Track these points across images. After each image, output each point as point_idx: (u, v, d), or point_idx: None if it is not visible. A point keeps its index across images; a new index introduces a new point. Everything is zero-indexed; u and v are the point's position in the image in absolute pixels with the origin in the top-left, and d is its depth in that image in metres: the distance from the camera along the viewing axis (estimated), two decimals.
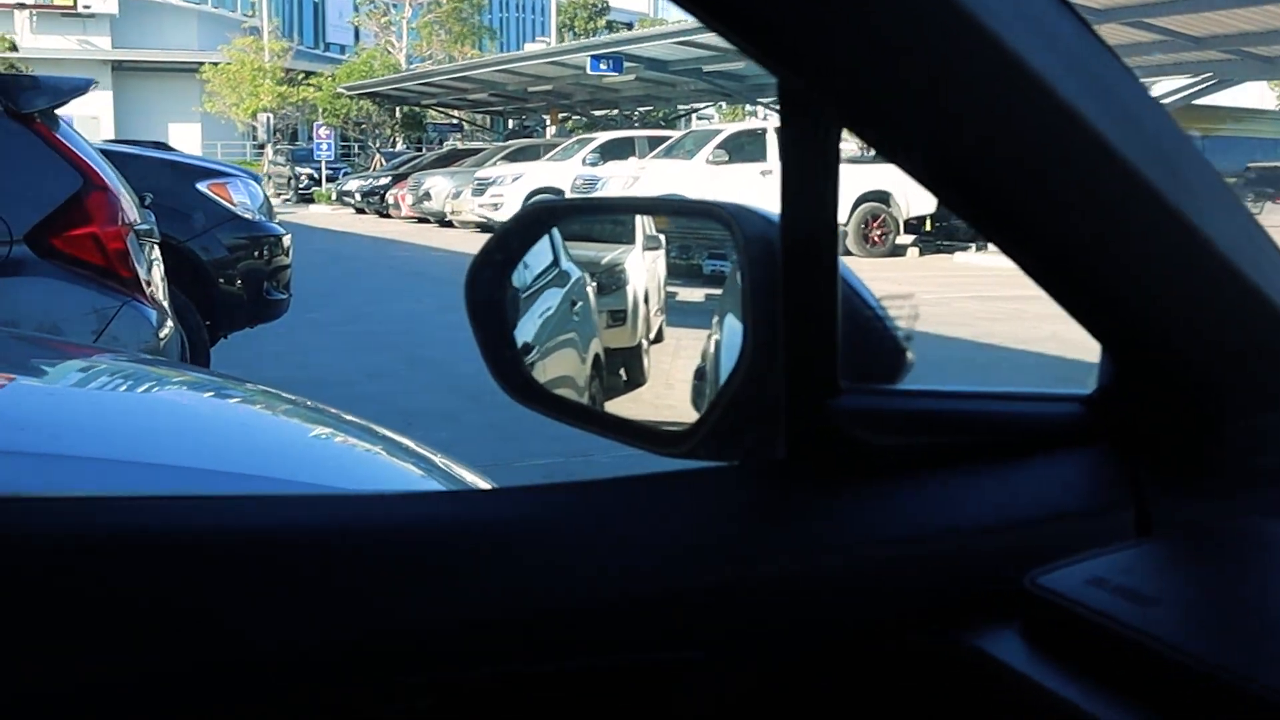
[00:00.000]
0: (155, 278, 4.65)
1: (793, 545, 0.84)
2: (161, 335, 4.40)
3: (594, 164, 21.51)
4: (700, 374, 1.00)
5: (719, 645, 0.82)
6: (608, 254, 1.09)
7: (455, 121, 42.24)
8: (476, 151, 29.72)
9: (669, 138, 21.03)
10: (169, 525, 0.82)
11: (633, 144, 22.02)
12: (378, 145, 41.67)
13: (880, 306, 0.90)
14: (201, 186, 6.96)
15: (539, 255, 1.06)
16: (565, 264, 1.08)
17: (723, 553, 0.83)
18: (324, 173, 37.96)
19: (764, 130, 18.91)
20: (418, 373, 9.09)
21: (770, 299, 0.84)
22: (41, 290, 4.16)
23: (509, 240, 1.04)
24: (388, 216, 29.83)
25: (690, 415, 0.96)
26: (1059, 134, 0.73)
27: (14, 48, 42.86)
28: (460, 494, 0.91)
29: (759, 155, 17.16)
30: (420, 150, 38.07)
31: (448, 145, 35.64)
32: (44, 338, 3.17)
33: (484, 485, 2.58)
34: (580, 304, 1.06)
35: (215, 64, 47.53)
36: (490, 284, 1.02)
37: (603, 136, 23.63)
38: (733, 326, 0.91)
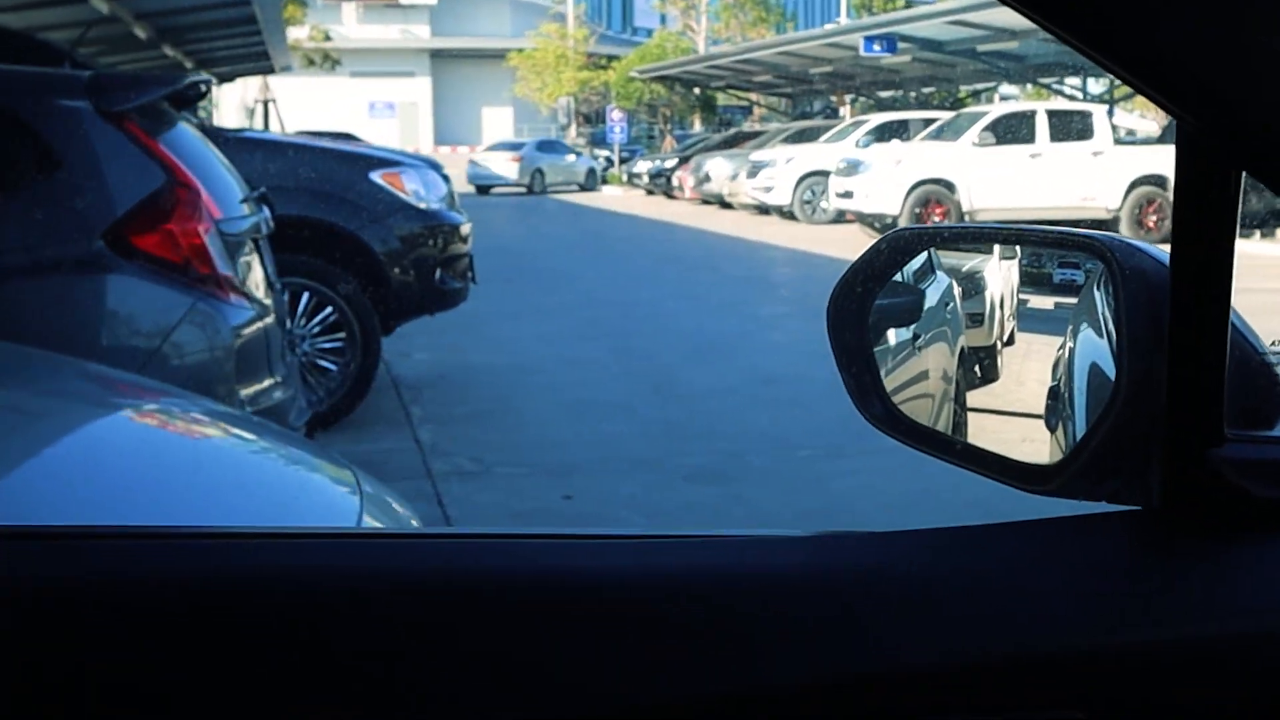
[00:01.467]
0: (252, 274, 4.69)
1: (1181, 607, 0.82)
2: (245, 332, 4.43)
3: (865, 146, 21.04)
4: (1054, 393, 1.00)
5: (1103, 710, 0.81)
6: (968, 261, 1.16)
7: (745, 104, 42.21)
8: (761, 134, 29.55)
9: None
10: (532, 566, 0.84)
11: (907, 126, 21.44)
12: (669, 128, 41.99)
13: (1267, 348, 0.88)
14: (374, 176, 7.06)
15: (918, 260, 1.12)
16: (939, 272, 1.14)
17: (1108, 611, 0.82)
18: (617, 155, 38.53)
19: (1033, 112, 18.06)
20: (616, 362, 9.04)
21: (1151, 338, 0.83)
22: (116, 287, 4.24)
23: (871, 268, 1.07)
24: (673, 198, 30.07)
25: (1043, 432, 0.99)
26: None
27: (328, 38, 45.14)
28: (812, 539, 0.89)
29: (1028, 138, 16.42)
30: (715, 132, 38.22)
31: (733, 128, 35.68)
32: (103, 372, 3.19)
33: (407, 516, 2.48)
34: (951, 305, 1.11)
35: (522, 50, 48.96)
36: (852, 315, 1.06)
37: (877, 118, 23.10)
38: (1088, 344, 0.93)
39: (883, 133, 21.64)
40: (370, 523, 2.27)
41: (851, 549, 0.87)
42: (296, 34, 42.22)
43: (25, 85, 4.46)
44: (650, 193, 32.50)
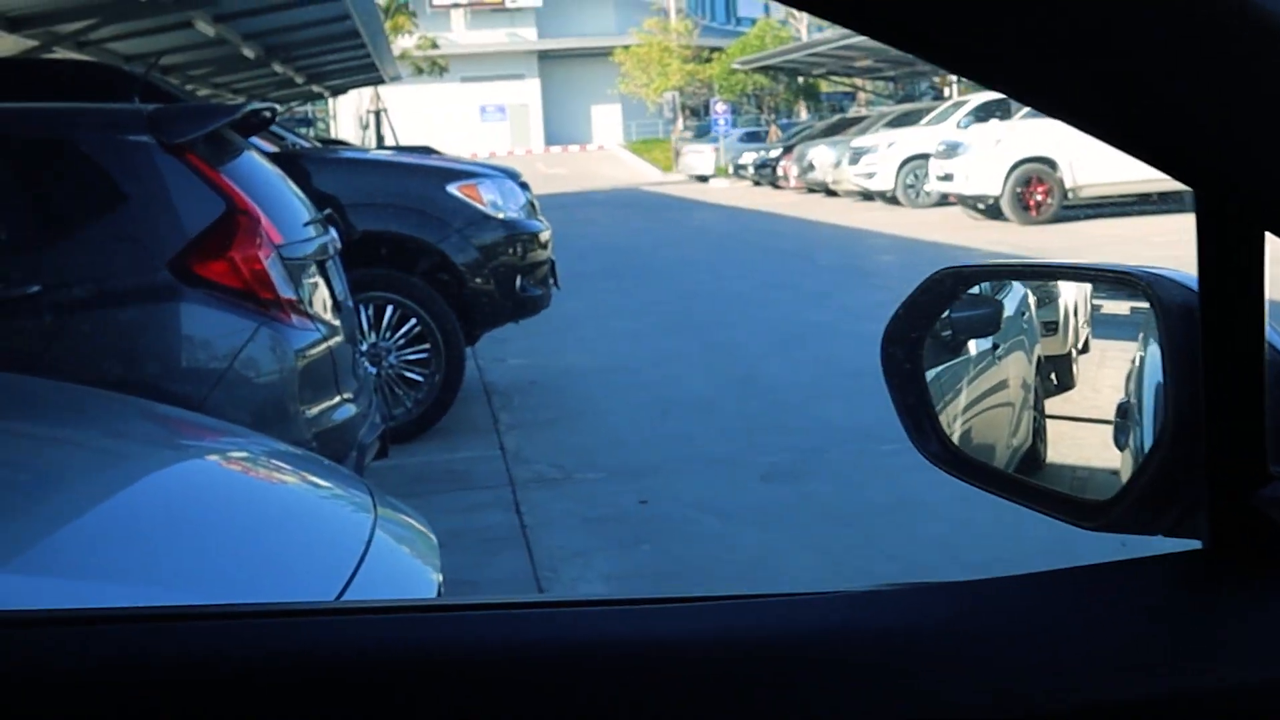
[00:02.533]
0: (318, 295, 4.81)
1: (1228, 653, 0.81)
2: (309, 352, 4.54)
3: (966, 127, 20.75)
4: (1124, 409, 1.00)
5: None
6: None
7: (850, 90, 41.85)
8: (863, 119, 29.30)
9: None
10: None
11: (1009, 104, 21.04)
12: (773, 118, 41.81)
13: None
14: (451, 189, 7.17)
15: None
16: (1014, 284, 1.16)
17: (1158, 658, 0.81)
18: (723, 147, 38.47)
19: None
20: (703, 357, 9.08)
21: (1191, 372, 0.82)
22: (180, 315, 4.38)
23: (918, 308, 1.08)
24: (779, 188, 29.96)
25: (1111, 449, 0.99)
26: None
27: (435, 45, 45.70)
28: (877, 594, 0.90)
29: None
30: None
31: (839, 115, 35.42)
32: (168, 414, 3.30)
33: (413, 522, 2.55)
34: (1026, 314, 1.12)
35: (626, 47, 49.10)
36: (904, 354, 1.07)
37: (977, 98, 22.73)
38: (1156, 360, 0.90)
39: (983, 112, 21.31)
40: (384, 538, 2.34)
41: (911, 603, 0.88)
42: (405, 43, 42.85)
43: (90, 121, 4.63)
44: (756, 184, 32.42)
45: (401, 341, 6.98)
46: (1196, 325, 0.82)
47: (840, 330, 9.79)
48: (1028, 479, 1.06)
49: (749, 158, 33.47)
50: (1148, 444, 0.93)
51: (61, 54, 12.79)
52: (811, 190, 27.43)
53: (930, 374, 1.11)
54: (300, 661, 0.83)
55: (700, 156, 38.39)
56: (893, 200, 22.86)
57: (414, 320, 6.95)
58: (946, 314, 1.14)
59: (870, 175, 23.22)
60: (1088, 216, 17.82)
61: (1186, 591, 0.86)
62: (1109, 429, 1.01)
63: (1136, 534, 0.89)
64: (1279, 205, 0.69)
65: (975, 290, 1.14)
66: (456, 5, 59.00)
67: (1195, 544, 0.88)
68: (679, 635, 0.84)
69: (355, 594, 2.03)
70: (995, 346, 1.14)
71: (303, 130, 17.46)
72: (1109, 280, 1.02)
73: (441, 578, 2.28)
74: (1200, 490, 0.83)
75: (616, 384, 8.39)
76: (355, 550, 2.21)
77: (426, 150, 9.99)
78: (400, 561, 2.43)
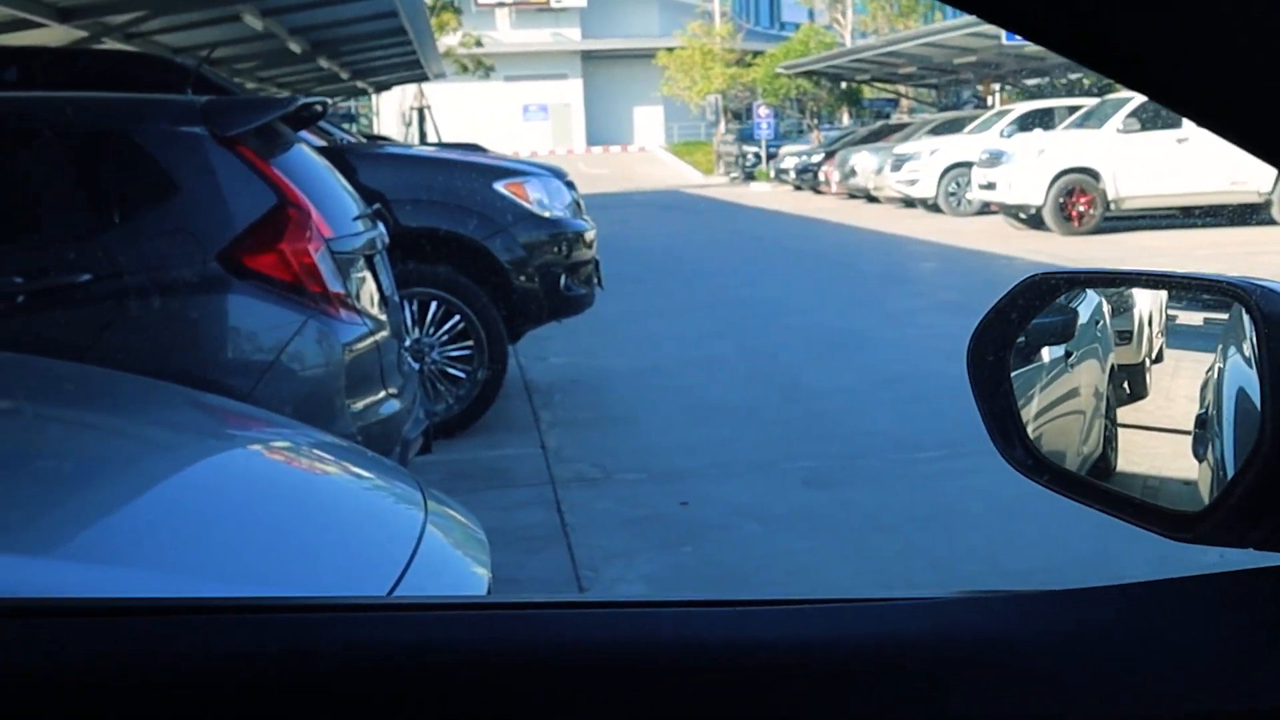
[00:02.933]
0: (365, 289, 4.82)
1: None
2: (356, 346, 4.55)
3: (1009, 136, 20.63)
4: (1202, 421, 0.99)
5: None
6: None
7: (893, 96, 41.72)
8: (906, 126, 29.18)
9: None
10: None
11: (1052, 114, 20.93)
12: (815, 122, 41.71)
13: None
14: (498, 186, 7.18)
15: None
16: (1088, 291, 1.16)
17: (1246, 675, 0.81)
18: (765, 151, 38.41)
19: None
20: (743, 362, 9.07)
21: None
22: (231, 306, 4.40)
23: (1008, 314, 1.07)
24: (820, 193, 29.88)
25: (1187, 455, 0.98)
26: None
27: (479, 44, 45.80)
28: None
29: (1174, 122, 15.91)
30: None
31: (882, 121, 35.29)
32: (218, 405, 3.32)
33: (459, 516, 2.55)
34: (1101, 322, 1.12)
35: (670, 50, 49.11)
36: (992, 357, 1.07)
37: (1021, 108, 22.63)
38: (1237, 370, 0.91)
39: (1027, 122, 21.19)
40: (435, 535, 2.34)
41: (993, 612, 0.88)
42: (449, 41, 42.97)
43: (144, 111, 4.65)
44: (798, 188, 32.34)
45: (445, 338, 7.00)
46: None
47: (881, 337, 9.76)
48: (1118, 488, 1.04)
49: (791, 162, 33.38)
50: (1228, 456, 0.93)
51: (110, 45, 12.90)
52: (853, 196, 27.34)
53: None
54: (347, 656, 0.83)
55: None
56: (934, 208, 22.76)
57: (458, 317, 6.96)
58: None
59: (912, 182, 23.12)
60: (1129, 228, 17.69)
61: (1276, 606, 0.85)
62: (1180, 439, 1.00)
63: (1228, 546, 0.88)
64: None
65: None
66: (501, 4, 59.13)
67: None
68: (734, 639, 0.83)
69: (406, 590, 2.03)
70: (1068, 354, 1.13)
71: (346, 126, 17.56)
72: (1205, 289, 1.00)
73: (491, 576, 2.28)
74: None
75: (657, 386, 8.39)
76: (407, 545, 2.21)
77: (473, 148, 10.01)
78: (451, 559, 2.43)
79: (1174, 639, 0.82)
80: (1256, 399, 0.87)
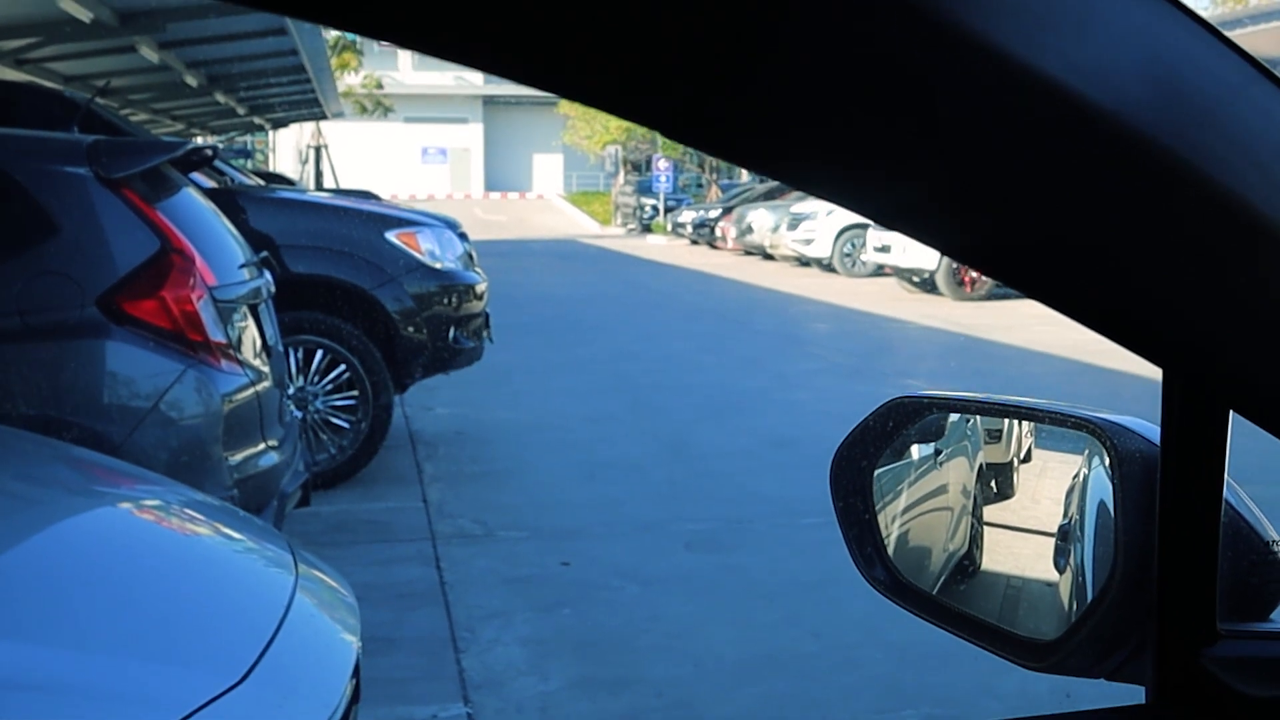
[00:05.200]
0: (248, 338, 4.73)
1: None
2: (236, 397, 4.46)
3: None
4: (1064, 533, 0.99)
5: None
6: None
7: None
8: None
9: None
10: None
11: None
12: (714, 177, 42.08)
13: (1269, 534, 0.86)
14: (390, 236, 7.12)
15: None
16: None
17: None
18: (663, 204, 38.64)
19: None
20: (634, 419, 9.04)
21: (1145, 524, 0.82)
22: (106, 353, 4.29)
23: (873, 434, 1.08)
24: (716, 248, 30.09)
25: (1046, 564, 0.99)
26: None
27: (379, 85, 45.60)
28: None
29: None
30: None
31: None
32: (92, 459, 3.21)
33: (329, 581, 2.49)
34: (971, 421, 1.12)
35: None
36: (854, 480, 1.07)
37: None
38: (1100, 483, 0.91)
39: None
40: (304, 601, 2.28)
41: None
42: (350, 80, 42.72)
43: (26, 149, 4.54)
44: (694, 243, 32.54)
45: (329, 387, 6.90)
46: (1154, 478, 0.81)
47: (772, 398, 9.80)
48: (975, 614, 1.04)
49: (688, 216, 33.61)
50: (1087, 570, 0.94)
51: (0, 71, 12.62)
52: (749, 253, 27.57)
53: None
54: None
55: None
56: (829, 268, 23.03)
57: (343, 366, 6.88)
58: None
59: (808, 241, 23.39)
60: (1019, 296, 17.91)
61: None
62: (1044, 540, 1.01)
63: (1080, 676, 0.89)
64: (1247, 388, 0.69)
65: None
66: None
67: (1136, 688, 0.87)
68: None
69: (272, 658, 1.98)
70: (938, 452, 1.14)
71: (240, 162, 17.32)
72: (1068, 425, 1.01)
73: (360, 644, 2.23)
74: (1146, 638, 0.83)
75: (545, 441, 8.33)
76: (275, 613, 2.15)
77: (366, 195, 9.92)
78: (319, 626, 2.37)
79: None
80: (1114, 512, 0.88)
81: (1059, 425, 1.03)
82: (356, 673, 2.11)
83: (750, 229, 26.91)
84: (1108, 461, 0.89)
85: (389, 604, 4.93)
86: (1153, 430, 0.86)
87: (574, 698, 4.19)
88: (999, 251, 0.63)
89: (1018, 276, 0.64)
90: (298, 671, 2.09)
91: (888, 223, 0.61)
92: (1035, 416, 1.06)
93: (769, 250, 26.05)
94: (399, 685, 4.15)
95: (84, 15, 10.74)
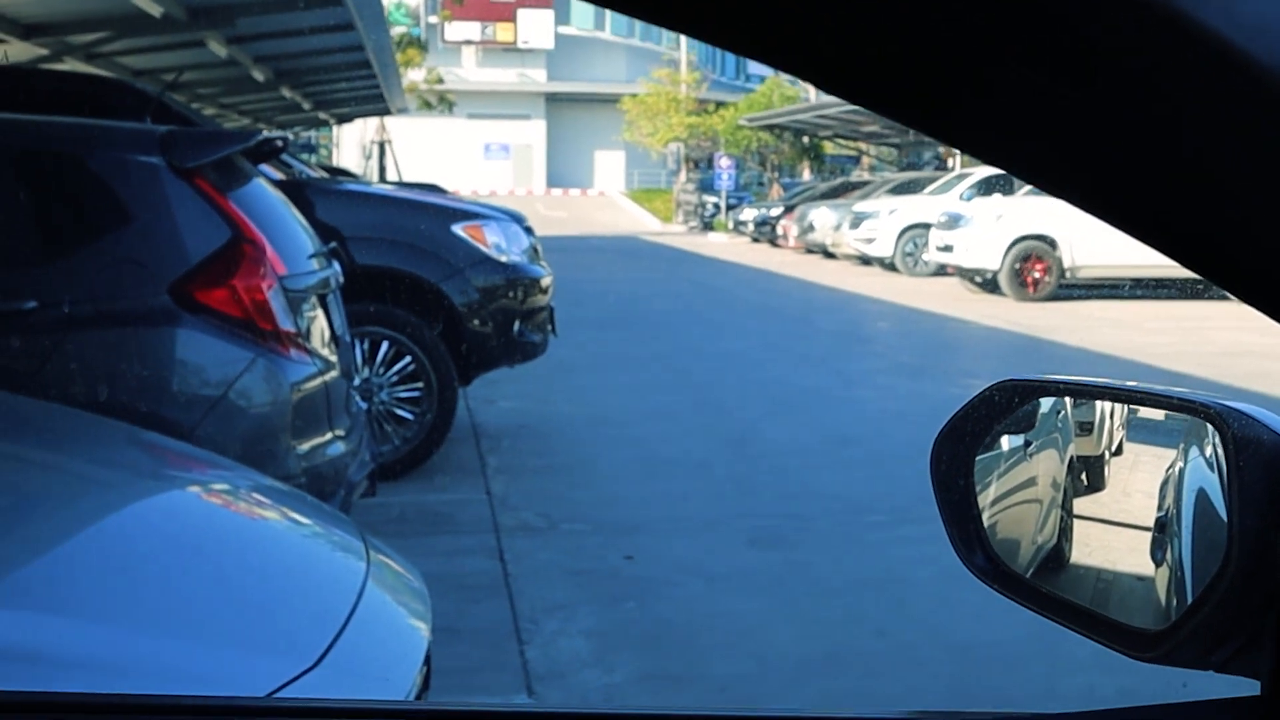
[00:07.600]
0: (317, 328, 4.76)
1: None
2: (304, 386, 4.49)
3: (969, 199, 20.81)
4: (1161, 524, 0.97)
5: None
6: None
7: (855, 153, 42.06)
8: (866, 184, 29.39)
9: None
10: None
11: (1012, 180, 21.12)
12: (776, 175, 41.96)
13: None
14: (456, 228, 7.14)
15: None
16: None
17: None
18: (725, 201, 38.58)
19: None
20: (696, 415, 9.03)
21: (1267, 515, 0.80)
22: (177, 340, 4.32)
23: (976, 416, 1.06)
24: (778, 246, 30.01)
25: (1142, 552, 0.98)
26: None
27: (441, 81, 45.79)
28: None
29: None
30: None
31: (842, 178, 35.58)
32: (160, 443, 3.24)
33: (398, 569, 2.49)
34: (1062, 413, 1.10)
35: (635, 95, 49.34)
36: (956, 463, 1.05)
37: (981, 171, 22.78)
38: (1198, 472, 0.90)
39: (987, 186, 21.37)
40: (376, 588, 2.28)
41: None
42: (414, 76, 42.98)
43: (101, 138, 4.58)
44: (755, 240, 32.49)
45: (395, 378, 6.93)
46: (1275, 465, 0.79)
47: (834, 396, 9.76)
48: (1080, 602, 1.02)
49: (749, 214, 33.54)
50: (1187, 564, 0.92)
51: (71, 65, 12.79)
52: (810, 251, 27.48)
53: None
54: None
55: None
56: (890, 267, 22.90)
57: (409, 358, 6.91)
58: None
59: (870, 240, 23.27)
60: (1083, 297, 17.86)
61: None
62: (1136, 534, 0.99)
63: (1190, 668, 0.87)
64: None
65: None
66: (469, 43, 59.29)
67: (1248, 682, 0.85)
68: None
69: (345, 644, 1.98)
70: (1028, 444, 1.12)
71: (305, 157, 17.47)
72: (1180, 408, 0.98)
73: (430, 633, 2.23)
74: (1263, 630, 0.81)
75: (607, 436, 8.33)
76: (348, 598, 2.15)
77: (433, 188, 9.97)
78: (390, 612, 2.37)
79: None
80: (1217, 504, 0.86)
81: (1173, 410, 1.00)
82: (427, 661, 2.11)
83: (812, 227, 26.81)
84: (1221, 450, 0.86)
85: (453, 595, 4.93)
86: (1272, 419, 0.83)
87: (638, 692, 4.18)
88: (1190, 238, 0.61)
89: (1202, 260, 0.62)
90: (370, 658, 2.09)
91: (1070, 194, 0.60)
92: (1148, 401, 1.03)
93: (830, 249, 25.95)
94: (463, 675, 4.16)
95: (154, 10, 10.87)
